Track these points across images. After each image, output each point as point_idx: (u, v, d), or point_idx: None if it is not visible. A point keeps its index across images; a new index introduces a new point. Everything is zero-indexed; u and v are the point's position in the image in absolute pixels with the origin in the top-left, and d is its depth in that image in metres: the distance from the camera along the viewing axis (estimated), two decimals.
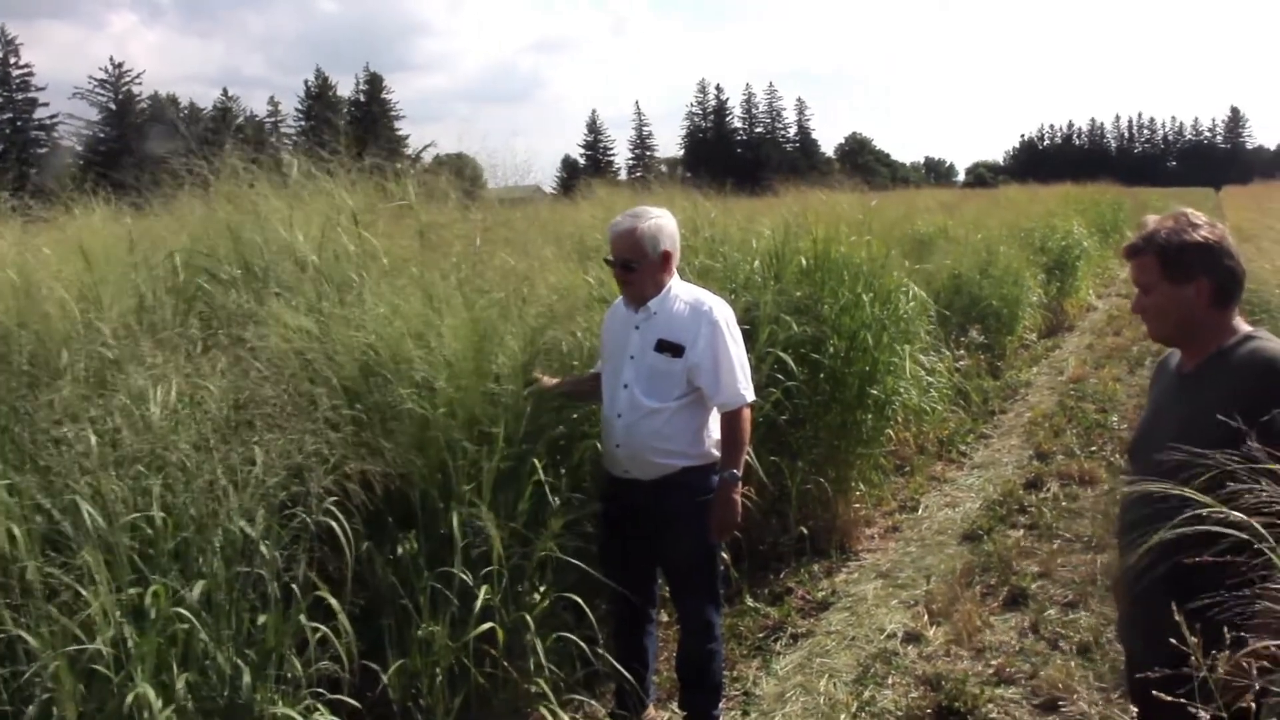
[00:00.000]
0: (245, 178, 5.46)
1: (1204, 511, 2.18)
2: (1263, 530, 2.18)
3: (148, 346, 3.67)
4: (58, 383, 3.54)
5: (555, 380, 4.67)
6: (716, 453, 4.46)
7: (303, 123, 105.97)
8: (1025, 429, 10.08)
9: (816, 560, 6.70)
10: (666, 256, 4.43)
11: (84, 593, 2.91)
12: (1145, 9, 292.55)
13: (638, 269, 4.38)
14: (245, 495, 3.28)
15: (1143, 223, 3.04)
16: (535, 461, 4.30)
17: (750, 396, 4.48)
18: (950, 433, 9.37)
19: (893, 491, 7.98)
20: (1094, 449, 9.06)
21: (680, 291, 4.49)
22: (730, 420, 4.42)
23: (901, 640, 5.63)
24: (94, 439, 3.17)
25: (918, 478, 8.37)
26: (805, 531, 6.68)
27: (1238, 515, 2.17)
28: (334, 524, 3.53)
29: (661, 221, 4.44)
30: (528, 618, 4.16)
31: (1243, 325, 2.91)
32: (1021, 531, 7.21)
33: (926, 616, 5.85)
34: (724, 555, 4.91)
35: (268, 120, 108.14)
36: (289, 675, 3.37)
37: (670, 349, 4.37)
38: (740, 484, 4.44)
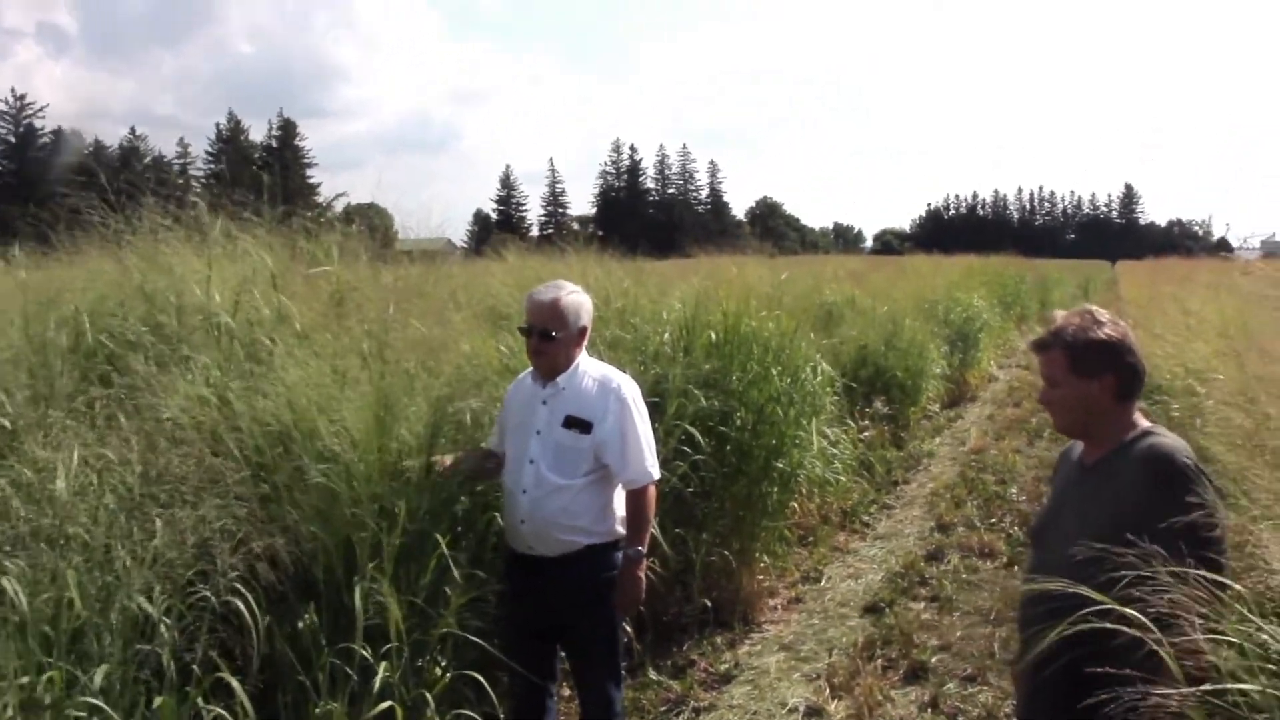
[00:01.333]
0: (163, 235, 5.37)
1: (1102, 608, 2.28)
2: (1153, 627, 2.27)
3: (51, 416, 3.60)
4: None
5: (452, 460, 4.63)
6: (621, 529, 4.46)
7: (213, 165, 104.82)
8: (927, 500, 10.23)
9: (720, 632, 6.72)
10: (584, 331, 4.45)
11: None
12: (1046, 87, 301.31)
13: (558, 339, 4.36)
14: (147, 572, 3.22)
15: (1050, 317, 3.17)
16: (438, 537, 4.27)
17: (656, 474, 4.50)
18: (854, 503, 9.45)
19: (796, 562, 8.03)
20: (994, 521, 9.24)
21: (589, 368, 4.49)
22: (636, 498, 4.43)
23: (803, 715, 5.66)
24: None
25: (821, 548, 8.43)
26: (709, 603, 6.71)
27: (1131, 613, 2.27)
28: (238, 603, 3.46)
29: (581, 297, 4.45)
30: (428, 695, 4.11)
31: (1142, 421, 3.04)
32: (923, 604, 7.30)
33: (828, 690, 5.88)
34: (626, 628, 4.92)
35: (176, 161, 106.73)
36: None
37: (578, 425, 4.36)
38: (644, 561, 4.46)
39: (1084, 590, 2.38)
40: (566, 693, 5.27)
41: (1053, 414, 3.18)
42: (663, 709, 5.75)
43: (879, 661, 6.27)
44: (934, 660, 6.25)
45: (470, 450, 4.78)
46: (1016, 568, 7.67)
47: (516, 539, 4.48)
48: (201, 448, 3.82)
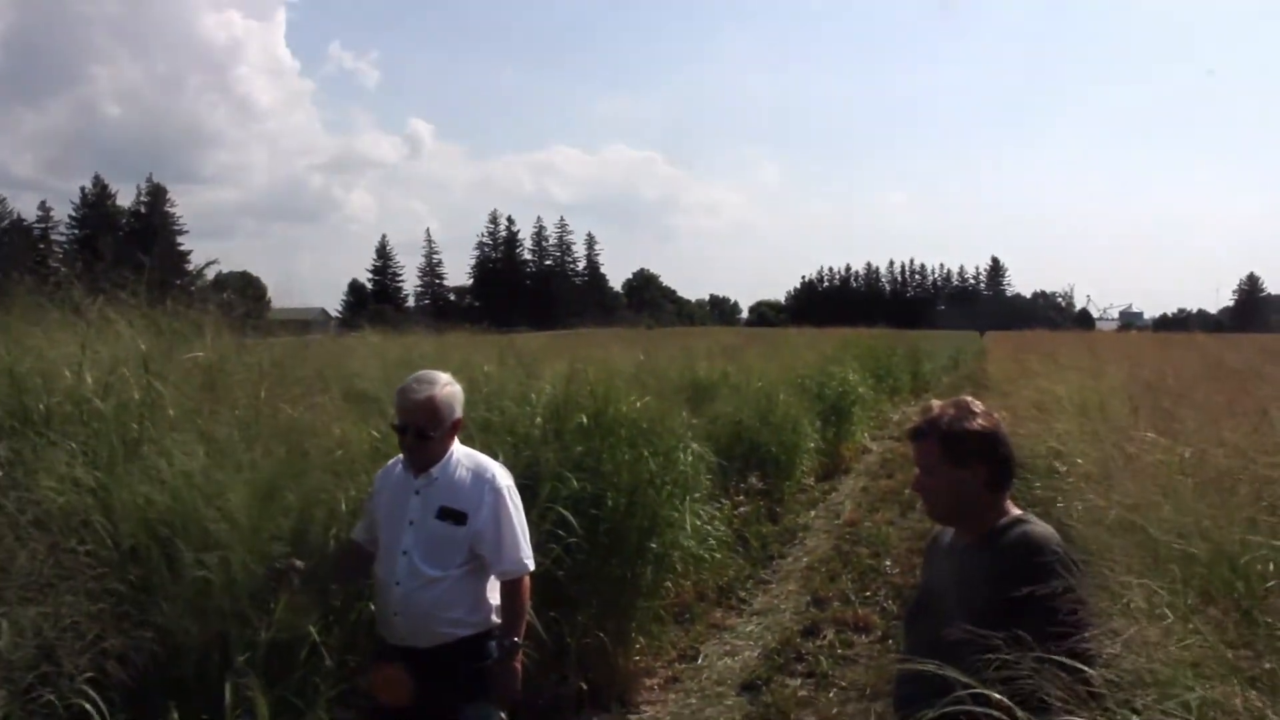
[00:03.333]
0: (33, 315, 5.22)
1: (974, 691, 2.33)
2: (1015, 708, 2.34)
3: None
4: None
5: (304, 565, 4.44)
6: (496, 619, 4.42)
7: (76, 230, 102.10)
8: (803, 574, 10.30)
9: (596, 714, 6.66)
10: (457, 424, 4.41)
11: None
12: (919, 161, 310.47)
13: (434, 437, 4.31)
14: None
15: (927, 406, 3.25)
16: (311, 629, 4.20)
17: (531, 565, 4.47)
18: (729, 579, 9.46)
19: (672, 641, 7.99)
20: (869, 594, 9.34)
21: (461, 457, 4.44)
22: (511, 589, 4.40)
23: None
24: None
25: (698, 626, 8.42)
26: (585, 685, 6.65)
27: (997, 696, 2.33)
28: (86, 705, 3.35)
29: (453, 389, 4.40)
30: None
31: (1013, 508, 3.12)
32: (799, 681, 7.33)
33: None
34: (503, 715, 4.86)
35: (37, 226, 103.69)
36: None
37: (453, 516, 4.31)
38: (520, 652, 4.42)
39: (953, 673, 2.43)
40: None
41: (925, 501, 3.24)
42: None
43: None
44: None
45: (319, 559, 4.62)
46: (891, 642, 7.78)
47: (390, 631, 4.39)
48: (61, 538, 3.69)
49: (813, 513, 13.36)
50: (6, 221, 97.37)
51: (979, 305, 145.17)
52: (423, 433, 4.29)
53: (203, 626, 3.98)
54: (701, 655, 7.93)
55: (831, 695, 7.01)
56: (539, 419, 6.99)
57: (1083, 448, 6.71)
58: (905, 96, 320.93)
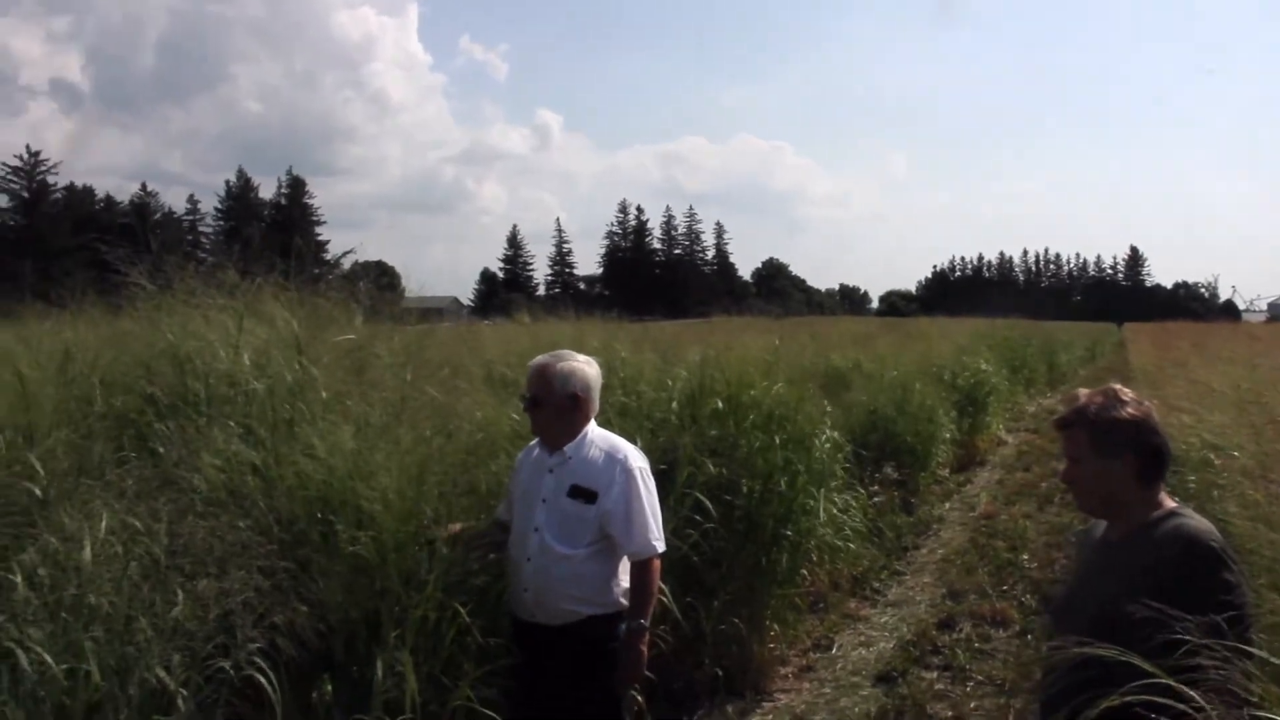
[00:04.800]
0: (194, 300, 5.38)
1: (1152, 681, 2.23)
2: (1203, 701, 2.24)
3: (83, 484, 3.62)
4: None
5: (460, 528, 4.61)
6: (624, 601, 4.44)
7: (222, 222, 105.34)
8: (938, 566, 10.18)
9: (730, 701, 6.67)
10: (575, 400, 4.43)
11: None
12: (1052, 151, 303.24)
13: (542, 405, 4.39)
14: (167, 643, 3.22)
15: (1074, 395, 3.17)
16: (459, 608, 4.27)
17: (661, 547, 4.49)
18: (864, 570, 9.39)
19: (807, 630, 7.98)
20: (1006, 588, 9.18)
21: (596, 438, 4.49)
22: (640, 570, 4.43)
23: None
24: (21, 584, 3.11)
25: (832, 615, 8.39)
26: (720, 672, 6.67)
27: (1180, 686, 2.23)
28: (259, 676, 3.45)
29: (577, 365, 4.45)
30: None
31: (1168, 501, 3.02)
32: (935, 673, 7.25)
33: None
34: (638, 698, 4.88)
35: (186, 218, 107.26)
36: None
37: (583, 495, 4.36)
38: (647, 634, 4.43)
39: (1135, 659, 2.31)
40: None
41: (1075, 493, 3.18)
42: None
43: None
44: None
45: (474, 525, 4.75)
46: (1030, 637, 7.63)
47: (520, 607, 4.46)
48: (231, 517, 3.82)
49: (947, 505, 13.18)
50: (159, 214, 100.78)
51: (1116, 296, 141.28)
52: (534, 400, 4.40)
53: (356, 603, 4.09)
54: (836, 645, 7.90)
55: (968, 689, 6.92)
56: (675, 404, 7.01)
57: (1240, 440, 6.48)
58: (1038, 80, 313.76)
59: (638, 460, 4.50)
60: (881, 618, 8.61)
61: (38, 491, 3.74)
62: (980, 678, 7.09)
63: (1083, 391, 3.15)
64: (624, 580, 4.46)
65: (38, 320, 5.47)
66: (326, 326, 5.64)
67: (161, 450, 4.25)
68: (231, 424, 4.50)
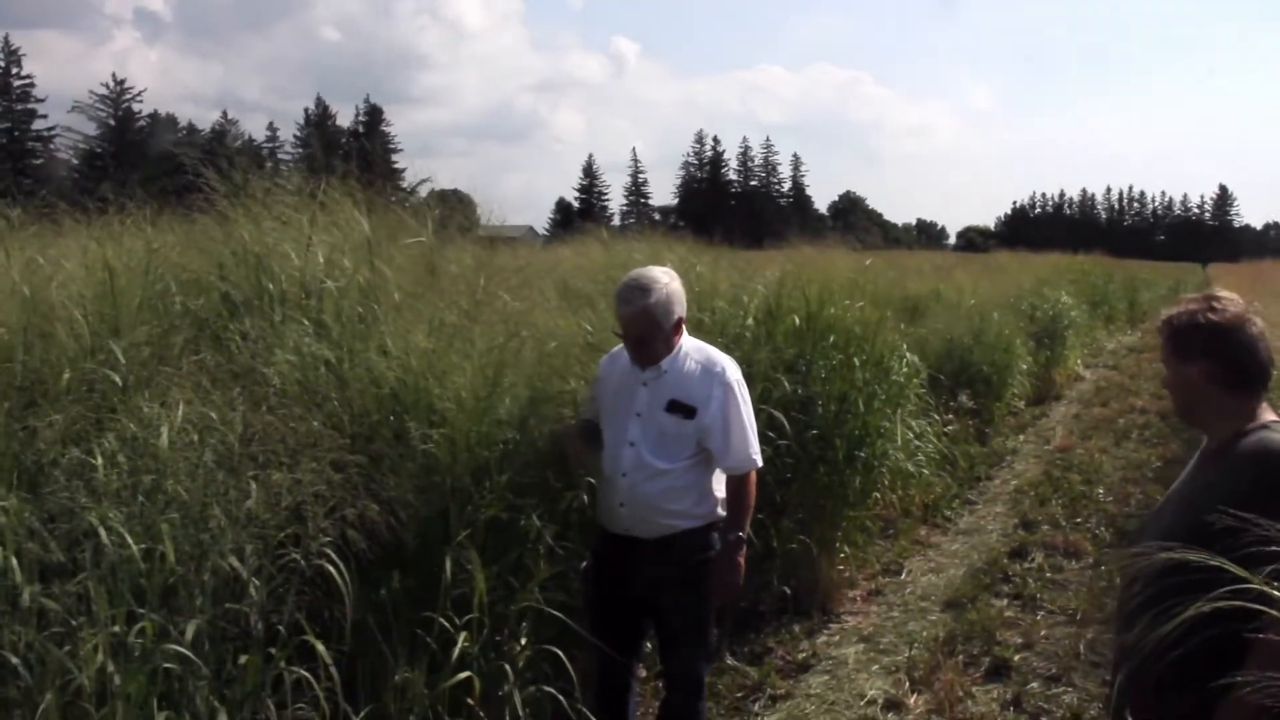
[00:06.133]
0: (267, 200, 5.38)
1: (1246, 586, 2.13)
2: None
3: (161, 373, 3.65)
4: (60, 404, 3.53)
5: (572, 442, 4.53)
6: (720, 511, 4.39)
7: (300, 149, 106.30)
8: (1011, 497, 10.08)
9: (798, 621, 6.67)
10: (680, 322, 4.32)
11: (74, 623, 2.88)
12: (1138, 85, 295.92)
13: (653, 341, 4.26)
14: (240, 532, 3.24)
15: (1177, 300, 3.08)
16: (529, 510, 4.26)
17: (759, 460, 4.42)
18: (936, 497, 9.30)
19: (877, 554, 7.94)
20: (1079, 520, 9.08)
21: (691, 350, 4.38)
22: (738, 483, 4.36)
23: (882, 707, 5.59)
24: (101, 466, 3.14)
25: (902, 541, 8.34)
26: (788, 591, 6.66)
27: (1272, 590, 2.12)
28: (330, 567, 3.47)
29: (671, 288, 4.27)
30: (507, 668, 4.09)
31: (1267, 413, 2.87)
32: (1005, 601, 7.18)
33: (908, 684, 5.81)
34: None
35: (265, 145, 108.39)
36: (265, 719, 3.29)
37: (682, 410, 4.26)
38: (744, 546, 4.39)
39: (1226, 564, 2.16)
40: (643, 674, 5.25)
41: (1171, 398, 3.11)
42: (739, 695, 5.71)
43: (960, 657, 6.17)
44: (1017, 658, 6.14)
45: (571, 428, 4.66)
46: (1103, 569, 7.52)
47: (614, 521, 4.40)
48: (304, 411, 3.81)
49: (1021, 437, 13.05)
50: (239, 142, 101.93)
51: (1202, 236, 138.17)
52: (642, 340, 4.25)
53: (426, 501, 4.09)
54: (905, 570, 7.86)
55: (1039, 618, 6.85)
56: (751, 320, 6.92)
57: None
58: (1133, 13, 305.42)
59: (734, 373, 4.40)
60: (952, 545, 8.55)
61: (118, 379, 3.77)
62: (1051, 608, 7.02)
63: (1186, 296, 3.06)
64: (719, 490, 4.40)
65: (120, 222, 5.48)
66: (398, 233, 5.61)
67: (235, 346, 4.26)
68: (305, 321, 4.49)
